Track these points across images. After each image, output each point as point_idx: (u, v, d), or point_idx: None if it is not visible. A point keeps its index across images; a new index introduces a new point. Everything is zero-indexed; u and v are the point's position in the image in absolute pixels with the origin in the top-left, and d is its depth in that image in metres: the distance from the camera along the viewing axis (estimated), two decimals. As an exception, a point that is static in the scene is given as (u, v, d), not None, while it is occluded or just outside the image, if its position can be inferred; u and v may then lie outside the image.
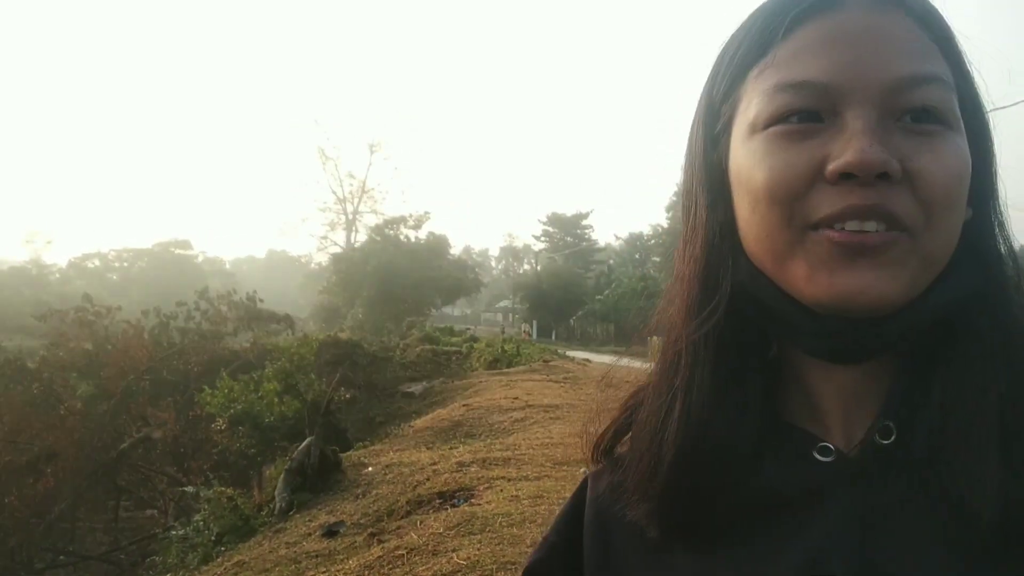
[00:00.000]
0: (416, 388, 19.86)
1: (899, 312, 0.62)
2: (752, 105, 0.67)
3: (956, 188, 0.63)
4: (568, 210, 76.55)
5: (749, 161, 0.66)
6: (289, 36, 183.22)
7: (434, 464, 8.43)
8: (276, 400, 13.35)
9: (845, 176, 0.61)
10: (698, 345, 0.71)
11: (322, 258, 67.23)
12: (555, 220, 75.36)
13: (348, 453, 10.53)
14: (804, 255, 0.63)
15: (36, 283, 67.50)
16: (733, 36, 0.72)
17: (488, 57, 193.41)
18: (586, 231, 75.35)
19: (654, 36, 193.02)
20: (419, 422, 13.26)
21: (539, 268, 64.86)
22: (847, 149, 0.60)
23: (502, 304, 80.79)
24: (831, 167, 0.61)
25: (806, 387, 0.71)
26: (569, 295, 56.88)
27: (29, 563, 12.59)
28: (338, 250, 63.21)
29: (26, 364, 17.17)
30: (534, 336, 46.20)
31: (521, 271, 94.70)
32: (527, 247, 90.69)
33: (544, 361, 23.96)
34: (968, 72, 0.68)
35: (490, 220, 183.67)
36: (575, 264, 66.64)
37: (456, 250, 62.44)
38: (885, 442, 0.65)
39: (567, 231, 74.82)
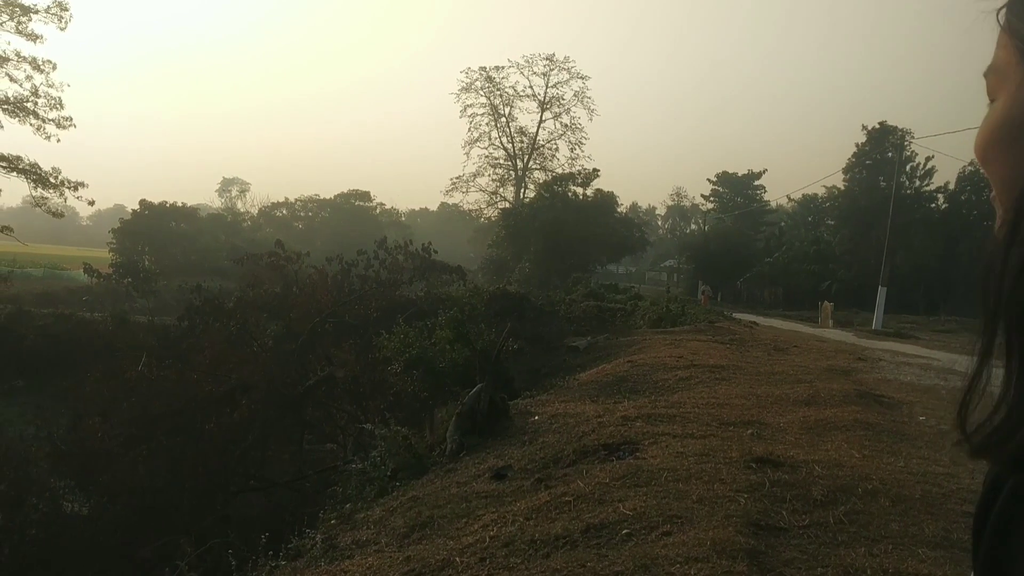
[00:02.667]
0: (581, 343, 20.08)
1: None
2: None
3: None
4: (739, 169, 74.15)
5: None
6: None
7: (599, 417, 8.55)
8: (448, 347, 13.89)
9: None
10: None
11: (492, 213, 68.42)
12: (725, 180, 73.21)
13: (515, 401, 10.82)
14: None
15: (231, 229, 72.46)
16: None
17: (658, 11, 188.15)
18: (757, 192, 72.82)
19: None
20: (584, 375, 13.42)
21: (707, 228, 63.35)
22: None
23: (667, 263, 79.59)
24: None
25: None
26: (737, 257, 55.31)
27: (225, 485, 13.78)
28: (507, 205, 64.19)
29: (224, 304, 18.68)
30: (717, 299, 45.28)
31: (688, 231, 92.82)
32: (695, 206, 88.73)
33: (710, 322, 23.55)
34: None
35: (659, 178, 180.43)
36: (744, 225, 64.57)
37: (623, 208, 62.00)
38: None
39: (737, 191, 72.55)
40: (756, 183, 73.00)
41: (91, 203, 40.22)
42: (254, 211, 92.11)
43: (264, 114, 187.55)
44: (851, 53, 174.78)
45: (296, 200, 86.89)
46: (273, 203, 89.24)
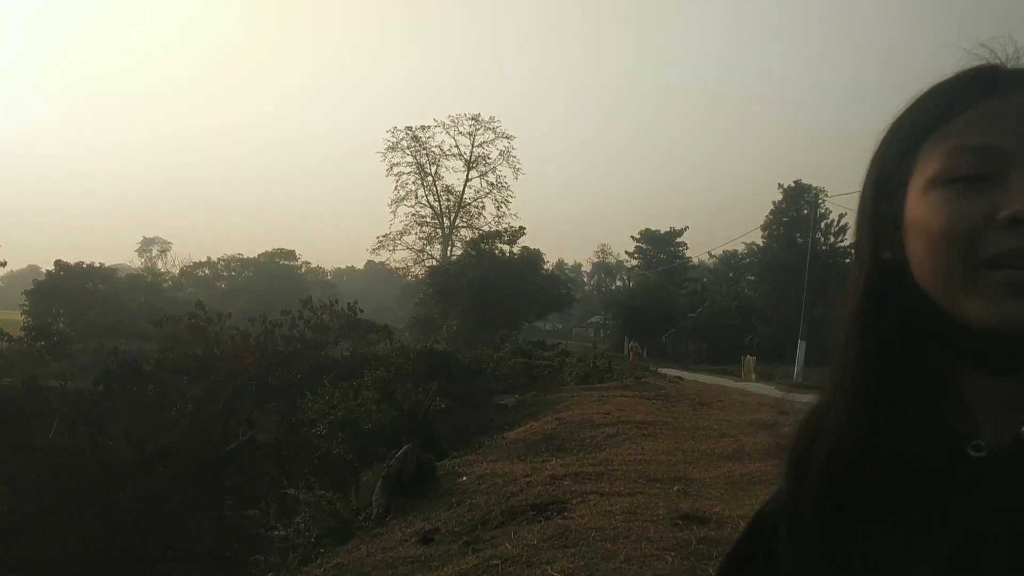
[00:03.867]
0: (509, 400, 20.02)
1: None
2: (930, 165, 0.80)
3: None
4: (662, 227, 75.84)
5: (928, 210, 0.79)
6: (392, 54, 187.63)
7: (527, 476, 8.52)
8: (374, 408, 13.72)
9: (1014, 222, 0.73)
10: (863, 356, 0.85)
11: (419, 271, 68.34)
12: (648, 237, 74.64)
13: (443, 462, 10.72)
14: (976, 289, 0.75)
15: (151, 290, 70.61)
16: (903, 115, 0.87)
17: (582, 70, 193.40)
18: (679, 248, 74.38)
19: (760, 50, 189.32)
20: (512, 434, 13.38)
21: (632, 284, 64.40)
22: (1016, 200, 0.74)
23: (594, 319, 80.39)
24: (1003, 214, 0.74)
25: (963, 393, 0.81)
26: (662, 312, 56.19)
27: (142, 557, 13.21)
28: (435, 263, 64.20)
29: (141, 367, 18.09)
30: (644, 354, 45.79)
31: (614, 287, 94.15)
32: (620, 263, 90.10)
33: (636, 377, 23.80)
34: None
35: (584, 235, 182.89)
36: (668, 281, 65.84)
37: (549, 265, 62.54)
38: None
39: (660, 248, 73.99)
40: (678, 240, 74.50)
41: (3, 264, 38.80)
42: (175, 271, 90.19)
43: (187, 170, 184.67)
44: (769, 115, 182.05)
45: (219, 259, 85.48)
46: (195, 263, 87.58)
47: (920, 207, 0.81)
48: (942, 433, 0.81)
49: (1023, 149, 0.77)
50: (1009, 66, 0.86)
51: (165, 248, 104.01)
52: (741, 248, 70.03)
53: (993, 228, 0.75)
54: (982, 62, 0.86)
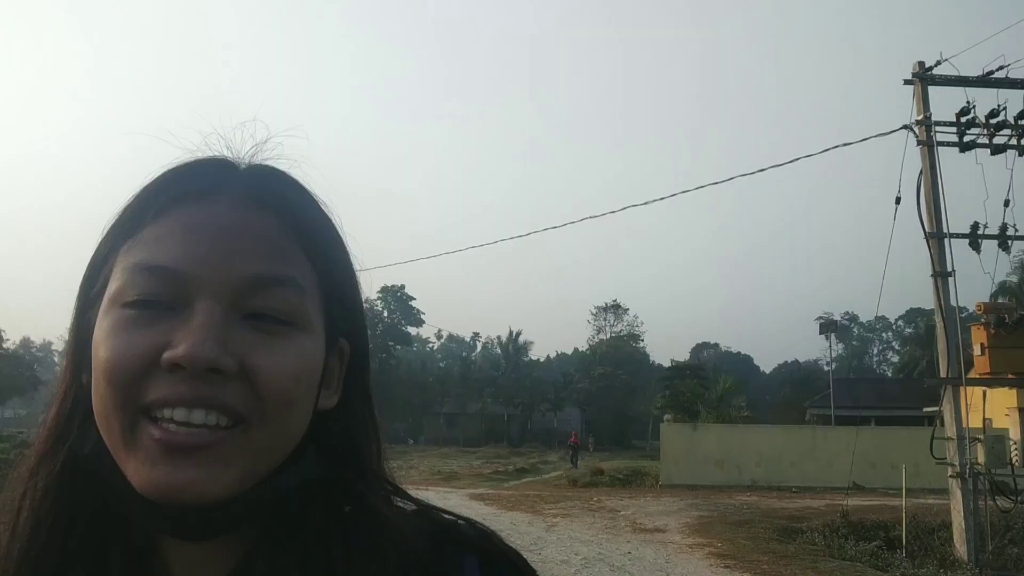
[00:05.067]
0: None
1: (232, 500, 0.65)
2: (115, 279, 0.67)
3: (292, 386, 0.67)
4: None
5: (100, 336, 0.66)
6: None
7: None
8: None
9: (178, 366, 0.62)
10: (40, 501, 0.70)
11: None
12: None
13: None
14: (135, 444, 0.63)
15: None
16: (127, 200, 0.72)
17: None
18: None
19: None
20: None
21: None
22: (183, 341, 0.62)
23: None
24: (165, 356, 0.63)
25: (162, 556, 0.70)
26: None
27: None
28: None
29: None
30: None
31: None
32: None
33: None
34: (345, 275, 0.76)
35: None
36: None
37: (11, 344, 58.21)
38: None
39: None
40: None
41: None
42: None
43: None
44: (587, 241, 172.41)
45: None
46: None
47: (98, 329, 0.67)
48: None
49: (213, 274, 0.65)
50: (242, 166, 0.74)
51: None
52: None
53: (158, 370, 0.63)
54: (220, 154, 0.74)
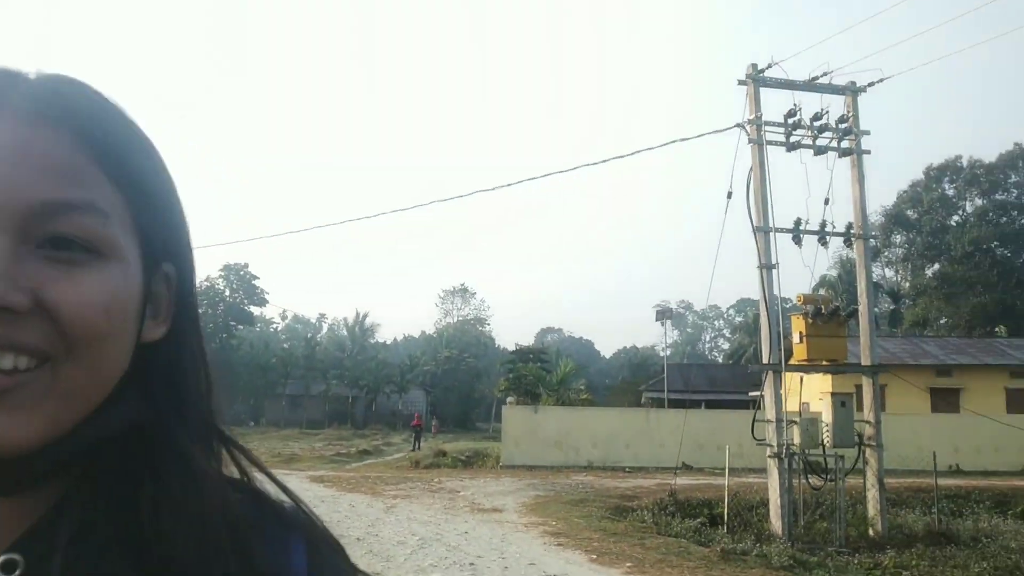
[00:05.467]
0: None
1: (41, 450, 0.59)
2: None
3: (101, 320, 0.60)
4: None
5: None
6: None
7: None
8: None
9: None
10: None
11: None
12: None
13: None
14: None
15: None
16: None
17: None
18: None
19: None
20: None
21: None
22: None
23: None
24: None
25: None
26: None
27: None
28: None
29: None
30: None
31: None
32: None
33: None
34: (161, 194, 0.69)
35: None
36: None
37: None
38: None
39: None
40: None
41: None
42: None
43: None
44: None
45: None
46: None
47: None
48: None
49: None
50: (31, 76, 0.64)
51: None
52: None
53: None
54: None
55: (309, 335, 76.73)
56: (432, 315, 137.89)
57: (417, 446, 37.34)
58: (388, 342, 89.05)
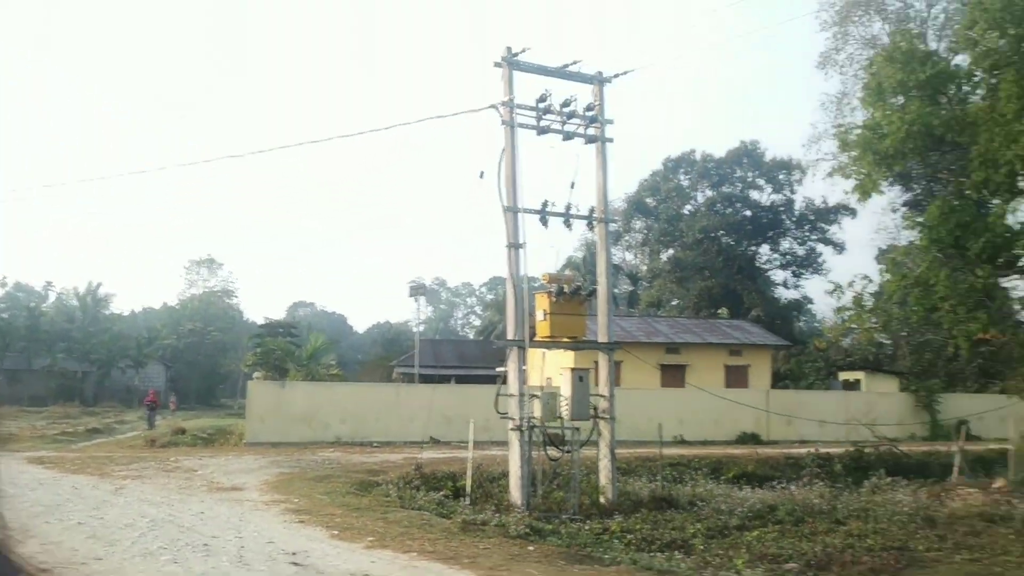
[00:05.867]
0: None
1: None
2: None
3: None
4: None
5: None
6: None
7: None
8: None
9: None
10: None
11: None
12: None
13: None
14: None
15: None
16: None
17: None
18: None
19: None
20: None
21: None
22: None
23: None
24: None
25: None
26: None
27: None
28: None
29: None
30: None
31: None
32: None
33: None
34: None
35: None
36: None
37: None
38: None
39: None
40: None
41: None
42: None
43: None
44: None
45: None
46: None
47: None
48: None
49: None
50: None
51: None
52: None
53: None
54: None
55: (33, 304, 69.37)
56: (176, 287, 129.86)
57: (151, 424, 35.13)
58: (125, 314, 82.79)
